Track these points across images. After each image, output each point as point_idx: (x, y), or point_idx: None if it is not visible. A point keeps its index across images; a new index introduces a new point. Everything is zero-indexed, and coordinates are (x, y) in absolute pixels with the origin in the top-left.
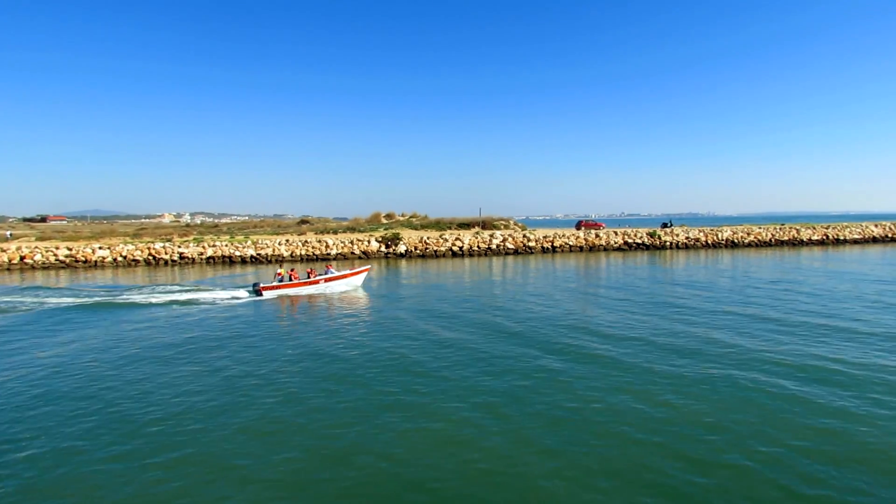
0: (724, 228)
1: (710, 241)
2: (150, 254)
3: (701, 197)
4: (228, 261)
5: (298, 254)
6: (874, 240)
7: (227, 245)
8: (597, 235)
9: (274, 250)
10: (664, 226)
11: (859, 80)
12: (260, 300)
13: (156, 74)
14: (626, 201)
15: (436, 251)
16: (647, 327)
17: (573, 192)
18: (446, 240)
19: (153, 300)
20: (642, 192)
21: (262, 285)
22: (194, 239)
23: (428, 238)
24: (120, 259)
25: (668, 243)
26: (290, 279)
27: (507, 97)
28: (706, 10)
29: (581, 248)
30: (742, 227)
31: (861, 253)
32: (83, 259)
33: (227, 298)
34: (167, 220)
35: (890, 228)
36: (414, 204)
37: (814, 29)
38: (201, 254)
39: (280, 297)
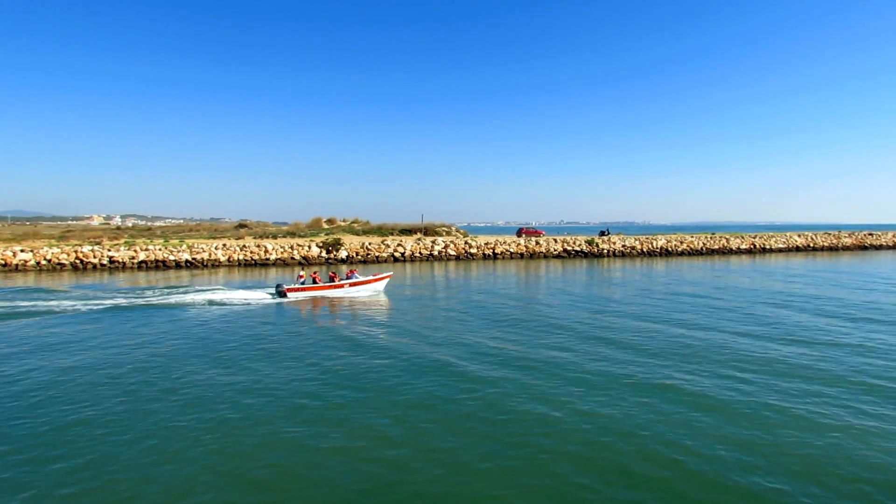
0: (659, 237)
1: (645, 250)
2: (77, 257)
3: (637, 206)
4: (162, 265)
5: (236, 259)
6: (797, 249)
7: (160, 249)
8: (537, 243)
9: (210, 255)
10: (602, 234)
11: (781, 94)
12: (284, 301)
13: (83, 71)
14: (565, 209)
15: (377, 257)
16: (580, 334)
17: (515, 200)
18: (388, 246)
19: (177, 300)
20: (581, 201)
21: (286, 287)
22: (125, 242)
23: (370, 244)
24: (44, 263)
25: (605, 251)
26: (314, 281)
27: (451, 103)
28: (643, 21)
29: (522, 255)
30: (675, 235)
31: (786, 261)
32: (2, 262)
33: (252, 299)
34: (96, 222)
35: (811, 238)
36: (356, 209)
37: (744, 41)
38: (133, 258)
39: (304, 298)
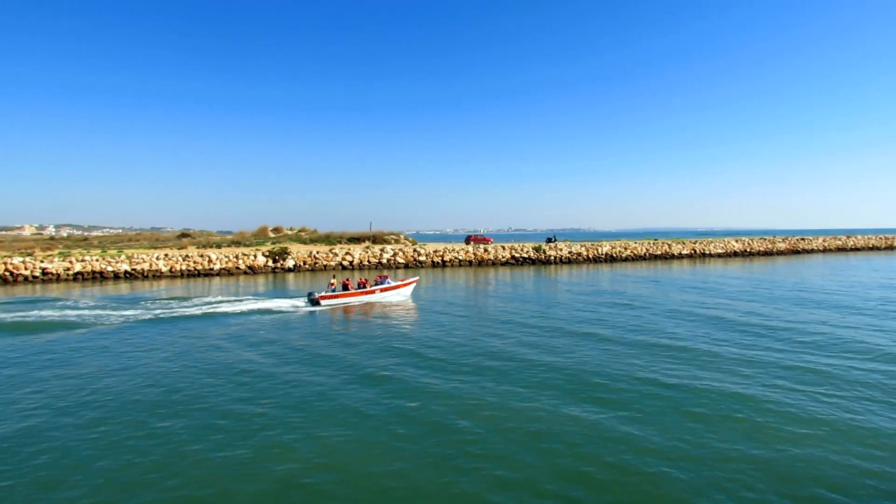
0: (604, 243)
1: (591, 256)
2: (6, 269)
3: (583, 213)
4: (100, 277)
5: (178, 269)
6: (735, 254)
7: (97, 260)
8: (485, 250)
9: (151, 265)
10: (549, 241)
11: (716, 104)
12: (318, 309)
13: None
14: (513, 217)
15: (325, 265)
16: (526, 340)
17: (463, 208)
18: (336, 254)
19: (203, 311)
20: (528, 208)
21: (319, 294)
22: (60, 253)
23: (317, 252)
24: None
25: (552, 258)
26: (346, 288)
27: (398, 111)
28: (587, 31)
29: (470, 263)
30: (620, 242)
31: (724, 266)
32: None
33: (287, 308)
34: (28, 232)
35: (748, 243)
36: (303, 218)
37: (683, 51)
38: (68, 269)
39: (337, 306)
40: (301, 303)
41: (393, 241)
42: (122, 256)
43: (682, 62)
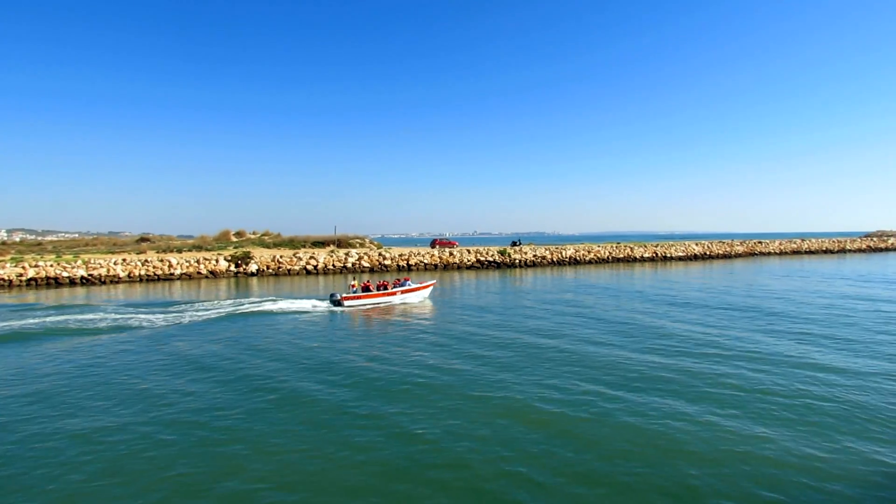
0: (568, 247)
1: (555, 259)
2: None
3: (548, 216)
4: (54, 282)
5: (137, 274)
6: (695, 257)
7: (52, 265)
8: (451, 254)
9: (109, 270)
10: (514, 244)
11: (674, 108)
12: (340, 310)
13: None
14: (478, 220)
15: (289, 270)
16: (486, 346)
17: (428, 212)
18: (300, 258)
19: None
20: (493, 212)
21: (341, 295)
22: (12, 259)
23: (281, 257)
24: None
25: (517, 261)
26: (367, 290)
27: (360, 114)
28: (544, 36)
29: (436, 266)
30: (584, 245)
31: (685, 269)
32: None
33: (312, 308)
34: None
35: (707, 247)
36: (267, 222)
37: (641, 55)
38: (20, 275)
39: (359, 306)
40: (321, 303)
41: (358, 245)
42: (79, 262)
43: (642, 67)
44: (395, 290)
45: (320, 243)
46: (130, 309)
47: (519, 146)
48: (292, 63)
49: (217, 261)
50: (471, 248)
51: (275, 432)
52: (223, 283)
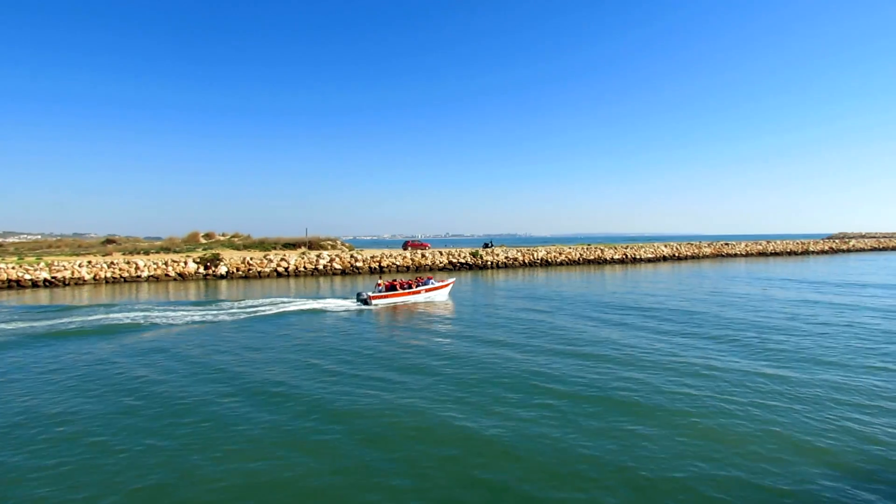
0: (540, 249)
1: (526, 261)
2: None
3: (519, 218)
4: (16, 285)
5: (103, 276)
6: (664, 258)
7: (14, 268)
8: (423, 255)
9: (74, 273)
10: (486, 246)
11: (642, 111)
12: (368, 308)
13: None
14: (450, 222)
15: (259, 272)
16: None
17: (400, 213)
18: (271, 260)
19: (279, 310)
20: (465, 214)
21: (369, 294)
22: None
23: (251, 258)
24: None
25: (489, 262)
26: (394, 288)
27: (331, 115)
28: (518, 40)
29: (408, 268)
30: (555, 247)
31: (654, 270)
32: None
33: (342, 307)
34: None
35: (676, 248)
36: (237, 224)
37: (613, 59)
38: None
39: (386, 305)
40: (349, 303)
41: (329, 247)
42: (42, 264)
43: (612, 70)
44: (419, 288)
45: (291, 245)
46: (103, 310)
47: (490, 149)
48: (258, 63)
49: (185, 263)
50: (443, 250)
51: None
52: (192, 286)
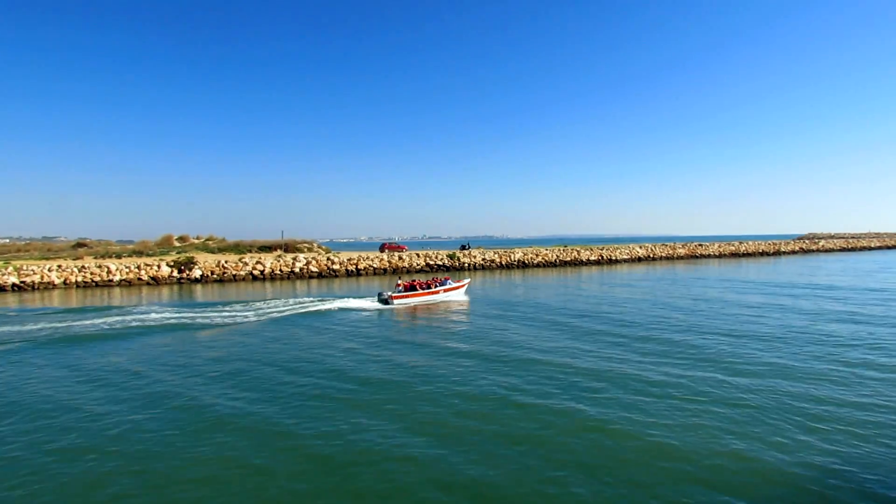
0: (516, 250)
1: (503, 262)
2: None
3: (496, 220)
4: None
5: (74, 280)
6: (639, 259)
7: None
8: (400, 258)
9: (43, 277)
10: (463, 248)
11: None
12: (389, 307)
13: None
14: (427, 224)
15: (235, 275)
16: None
17: (377, 215)
18: (246, 263)
19: (315, 308)
20: (442, 216)
21: (390, 294)
22: None
23: (226, 262)
24: None
25: (466, 264)
26: (414, 289)
27: (310, 115)
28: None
29: (385, 271)
30: (532, 249)
31: (629, 271)
32: None
33: (357, 308)
34: None
35: (651, 249)
36: (211, 226)
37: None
38: None
39: (406, 305)
40: (370, 303)
41: (306, 250)
42: (10, 268)
43: (590, 68)
44: (438, 289)
45: (267, 248)
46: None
47: (466, 152)
48: (231, 61)
49: (159, 266)
50: (420, 252)
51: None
52: (165, 290)
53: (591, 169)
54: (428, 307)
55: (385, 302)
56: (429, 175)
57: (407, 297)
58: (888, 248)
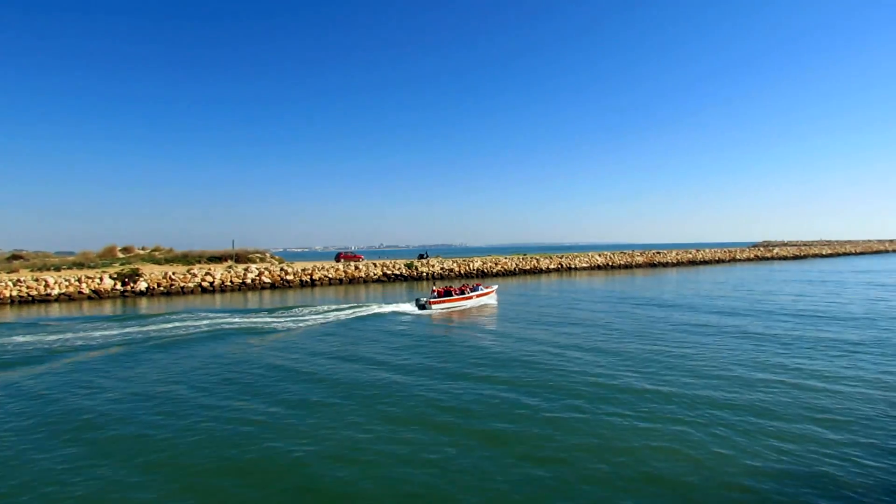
0: (476, 259)
1: (462, 272)
2: None
3: (454, 228)
4: None
5: (8, 295)
6: (598, 267)
7: None
8: (356, 268)
9: None
10: (421, 257)
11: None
12: (427, 312)
13: None
14: (385, 233)
15: (183, 287)
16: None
17: (333, 225)
18: (195, 275)
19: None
20: (399, 224)
21: (427, 299)
22: None
23: (174, 273)
24: None
25: (425, 274)
26: (450, 294)
27: (257, 122)
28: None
29: (341, 281)
30: (491, 257)
31: (589, 279)
32: None
33: (399, 312)
34: None
35: (610, 258)
36: (158, 237)
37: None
38: None
39: (443, 309)
40: (409, 307)
41: (258, 260)
42: None
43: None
44: (471, 294)
45: (217, 258)
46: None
47: (422, 156)
48: (181, 64)
49: (101, 279)
50: (377, 262)
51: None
52: (108, 305)
53: (550, 177)
54: (462, 312)
55: (422, 307)
56: (385, 183)
57: (444, 301)
58: (837, 255)
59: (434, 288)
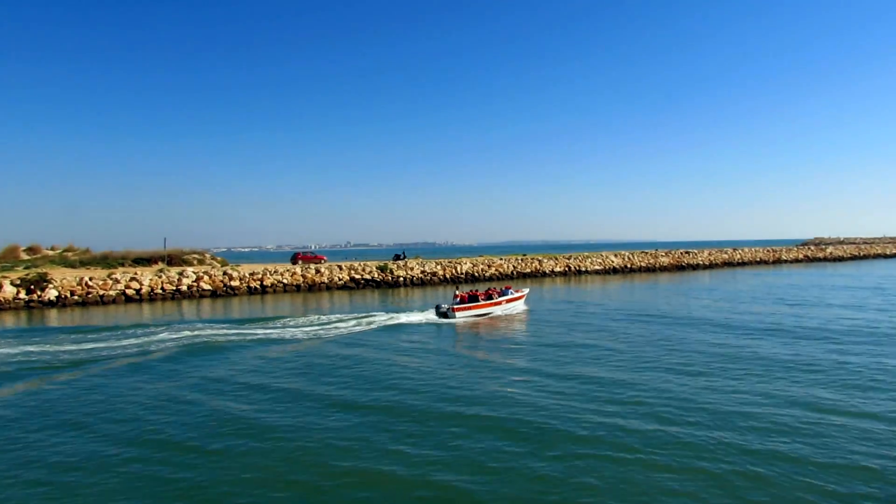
0: (464, 260)
1: (448, 276)
2: None
3: (437, 225)
4: None
5: None
6: (614, 270)
7: None
8: (317, 271)
9: None
10: (397, 258)
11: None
12: (451, 321)
13: None
14: (351, 230)
15: (102, 296)
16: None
17: (288, 220)
18: (117, 280)
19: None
20: (370, 221)
21: (451, 306)
22: None
23: (91, 279)
24: None
25: (402, 279)
26: (476, 299)
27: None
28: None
29: (298, 287)
30: (482, 258)
31: (602, 285)
32: None
33: (423, 321)
34: None
35: (629, 258)
36: (71, 235)
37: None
38: None
39: (468, 318)
40: (431, 315)
41: (196, 262)
42: None
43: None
44: (500, 299)
45: (145, 260)
46: None
47: (402, 148)
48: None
49: (1, 286)
50: (343, 264)
51: None
52: (10, 318)
53: (557, 166)
54: (490, 321)
55: (444, 315)
56: (352, 172)
57: (469, 308)
58: None
59: (457, 293)
